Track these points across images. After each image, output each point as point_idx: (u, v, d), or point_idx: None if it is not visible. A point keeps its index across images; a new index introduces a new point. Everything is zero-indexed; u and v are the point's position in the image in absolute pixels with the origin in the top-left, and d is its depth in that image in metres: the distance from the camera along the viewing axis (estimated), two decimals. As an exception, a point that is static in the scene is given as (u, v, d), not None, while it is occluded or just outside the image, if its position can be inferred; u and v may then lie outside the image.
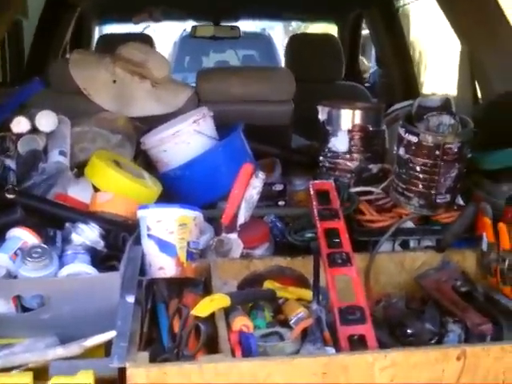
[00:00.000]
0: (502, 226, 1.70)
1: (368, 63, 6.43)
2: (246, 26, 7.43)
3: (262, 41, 8.63)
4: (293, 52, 3.95)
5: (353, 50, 4.75)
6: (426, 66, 11.11)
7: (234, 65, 7.93)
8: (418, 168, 1.84)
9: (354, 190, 2.01)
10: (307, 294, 1.61)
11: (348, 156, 2.14)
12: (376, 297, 1.79)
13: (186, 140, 2.11)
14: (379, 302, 1.75)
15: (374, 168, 2.11)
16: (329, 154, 2.18)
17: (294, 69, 3.75)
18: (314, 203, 1.82)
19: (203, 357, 1.28)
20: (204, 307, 1.40)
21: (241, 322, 1.37)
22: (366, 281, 1.82)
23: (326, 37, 4.21)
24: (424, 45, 10.55)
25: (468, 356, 1.31)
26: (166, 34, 9.02)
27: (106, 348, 1.34)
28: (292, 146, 2.75)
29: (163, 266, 1.62)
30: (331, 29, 5.29)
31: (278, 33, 12.25)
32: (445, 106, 1.90)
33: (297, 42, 4.02)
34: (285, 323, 1.53)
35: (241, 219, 1.84)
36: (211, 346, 1.37)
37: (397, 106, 2.44)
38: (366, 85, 4.96)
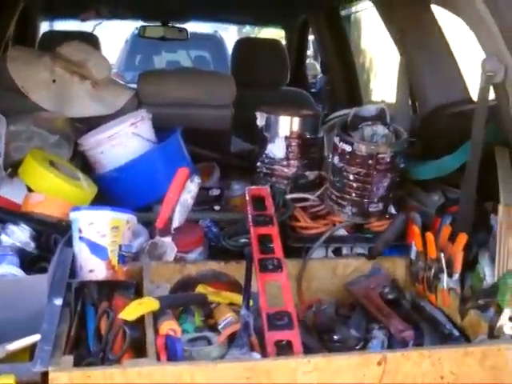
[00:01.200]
0: (429, 235, 1.74)
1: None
2: (199, 27, 7.45)
3: (214, 42, 8.67)
4: (238, 56, 3.96)
5: (299, 55, 4.78)
6: (376, 74, 11.29)
7: (185, 65, 7.91)
8: (351, 177, 1.87)
9: (289, 196, 2.03)
10: (240, 298, 1.62)
11: (285, 162, 2.17)
12: (307, 302, 1.82)
13: (123, 142, 2.10)
14: (310, 308, 1.79)
15: (311, 175, 2.14)
16: (266, 160, 2.20)
17: (239, 73, 3.80)
18: (249, 209, 1.83)
19: (128, 361, 1.28)
20: (132, 311, 1.39)
21: (168, 326, 1.37)
22: (298, 286, 1.85)
23: (272, 42, 4.23)
24: (375, 52, 10.71)
25: (388, 361, 1.34)
26: (120, 31, 8.92)
27: (31, 351, 1.32)
28: (233, 151, 2.76)
29: (94, 269, 1.62)
30: (282, 33, 5.31)
31: (232, 35, 12.28)
32: (380, 115, 1.94)
33: (242, 46, 4.02)
34: (215, 328, 1.55)
35: (175, 223, 1.84)
36: (139, 350, 1.37)
37: (336, 114, 2.48)
38: (313, 90, 5.01)
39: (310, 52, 7.73)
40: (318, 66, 6.22)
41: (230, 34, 11.72)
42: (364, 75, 11.60)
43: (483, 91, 1.66)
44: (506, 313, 1.45)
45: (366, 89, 10.98)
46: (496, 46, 1.57)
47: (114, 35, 8.93)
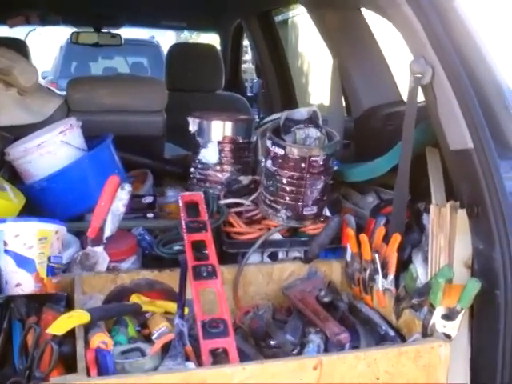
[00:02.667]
0: (363, 237, 1.75)
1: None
2: (136, 33, 7.38)
3: (151, 48, 8.64)
4: (173, 61, 3.93)
5: (234, 60, 4.78)
6: (314, 77, 11.40)
7: (122, 72, 7.84)
8: (284, 180, 1.87)
9: (223, 201, 2.01)
10: (175, 307, 1.59)
11: (218, 167, 2.15)
12: (245, 308, 1.81)
13: (52, 151, 2.05)
14: (247, 314, 1.77)
15: (245, 180, 2.13)
16: (199, 166, 2.18)
17: (173, 78, 3.78)
18: (183, 215, 1.81)
19: (54, 378, 1.23)
20: (60, 325, 1.35)
21: (99, 339, 1.34)
22: (235, 292, 1.83)
23: (207, 46, 4.22)
24: (312, 56, 10.81)
25: (324, 365, 1.34)
26: (56, 38, 8.76)
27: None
28: (168, 157, 2.73)
29: (21, 283, 1.56)
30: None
31: (170, 40, 12.21)
32: (312, 118, 1.94)
33: (176, 52, 4.00)
34: (150, 338, 1.52)
35: (107, 232, 1.80)
36: (71, 366, 1.33)
37: (270, 117, 2.48)
38: (249, 95, 5.01)
39: (248, 57, 7.74)
40: (255, 70, 6.23)
41: (167, 40, 11.66)
42: (302, 79, 11.71)
43: (412, 92, 1.68)
44: (438, 311, 1.46)
45: (304, 92, 11.09)
46: (423, 48, 1.59)
47: (50, 42, 8.77)
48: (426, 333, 1.48)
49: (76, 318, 1.39)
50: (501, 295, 1.45)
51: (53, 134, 2.06)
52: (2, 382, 1.22)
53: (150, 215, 2.08)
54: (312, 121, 1.93)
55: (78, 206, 2.01)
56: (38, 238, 1.59)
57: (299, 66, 12.10)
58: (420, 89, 1.65)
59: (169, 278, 1.74)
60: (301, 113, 1.94)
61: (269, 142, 1.87)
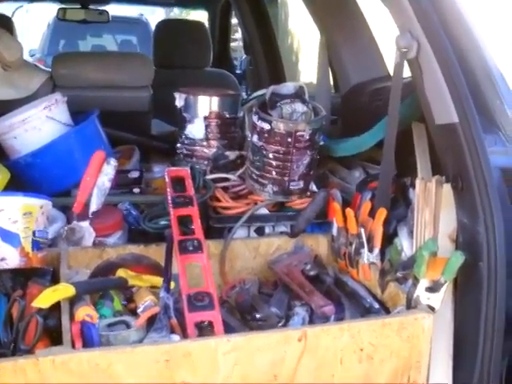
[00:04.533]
0: (348, 211, 1.75)
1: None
2: (124, 10, 7.31)
3: (140, 26, 8.55)
4: (160, 37, 3.90)
5: (223, 37, 4.76)
6: (304, 55, 11.33)
7: (111, 50, 7.78)
8: (270, 155, 1.86)
9: (210, 176, 2.01)
10: (161, 282, 1.59)
11: (205, 143, 2.15)
12: (231, 283, 1.82)
13: (37, 126, 2.03)
14: (234, 288, 1.78)
15: (232, 155, 2.12)
16: (186, 141, 2.17)
17: (161, 55, 3.75)
18: (169, 190, 1.81)
19: (40, 350, 1.24)
20: (45, 298, 1.35)
21: (84, 312, 1.34)
22: (221, 267, 1.84)
23: (194, 23, 4.18)
24: (303, 33, 10.74)
25: (309, 337, 1.35)
26: (44, 15, 8.66)
27: None
28: (156, 133, 2.72)
29: (5, 257, 1.56)
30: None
31: (160, 18, 12.08)
32: (298, 93, 1.93)
33: (164, 28, 3.96)
34: (136, 312, 1.52)
35: (93, 207, 1.80)
36: (56, 339, 1.33)
37: (257, 93, 2.47)
38: (238, 72, 4.99)
39: (239, 35, 7.69)
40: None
41: (157, 18, 11.54)
42: (293, 56, 11.64)
43: (398, 67, 1.68)
44: (422, 283, 1.47)
45: (294, 70, 11.03)
46: (409, 23, 1.58)
47: (37, 19, 8.67)
48: (410, 305, 1.49)
49: (61, 292, 1.39)
50: (484, 267, 1.46)
51: (38, 110, 2.04)
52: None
53: (136, 190, 2.07)
54: (298, 96, 1.92)
55: (64, 181, 1.99)
56: (22, 213, 1.58)
57: (289, 43, 12.02)
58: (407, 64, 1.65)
59: (155, 252, 1.74)
60: (287, 87, 1.93)
61: (255, 117, 1.87)
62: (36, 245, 1.60)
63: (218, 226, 1.91)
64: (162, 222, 1.83)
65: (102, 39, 8.53)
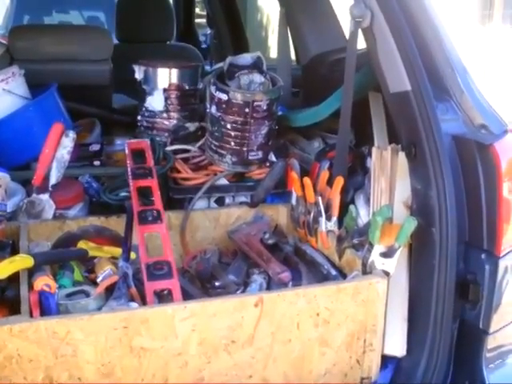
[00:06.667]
0: (306, 180, 1.77)
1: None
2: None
3: (108, 1, 8.38)
4: (123, 11, 3.85)
5: (187, 11, 4.72)
6: (273, 31, 11.27)
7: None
8: (229, 126, 1.88)
9: (170, 148, 2.02)
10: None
11: (165, 115, 2.15)
12: (192, 253, 1.84)
13: (-6, 100, 2.02)
14: (195, 258, 1.80)
15: (192, 126, 2.13)
16: (146, 114, 2.18)
17: (124, 28, 3.71)
18: (129, 162, 1.81)
19: (-4, 319, 1.25)
20: (3, 269, 1.37)
21: (42, 282, 1.35)
22: (182, 238, 1.86)
23: (157, -3, 4.14)
24: (272, 9, 10.67)
25: (265, 302, 1.38)
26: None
27: None
28: (118, 107, 2.71)
29: (-37, 230, 1.56)
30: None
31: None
32: (256, 64, 1.94)
33: (127, 2, 3.92)
34: (96, 283, 1.53)
35: (52, 180, 1.80)
36: (16, 309, 1.34)
37: (217, 65, 2.47)
38: (203, 46, 4.96)
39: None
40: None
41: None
42: (262, 32, 11.57)
43: (352, 36, 1.69)
44: (377, 249, 1.51)
45: (263, 46, 10.98)
46: (363, -8, 1.60)
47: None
48: (366, 270, 1.53)
49: (19, 263, 1.40)
50: (436, 232, 1.50)
51: (-6, 83, 2.03)
52: None
53: (97, 163, 2.07)
54: (256, 66, 1.93)
55: (23, 154, 1.99)
56: (-20, 186, 1.58)
57: (259, 19, 11.95)
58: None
59: (116, 224, 1.75)
60: (245, 58, 1.94)
61: (213, 88, 1.87)
62: (-6, 218, 1.60)
63: (178, 197, 1.93)
64: (123, 194, 1.83)
65: (68, 16, 8.35)
